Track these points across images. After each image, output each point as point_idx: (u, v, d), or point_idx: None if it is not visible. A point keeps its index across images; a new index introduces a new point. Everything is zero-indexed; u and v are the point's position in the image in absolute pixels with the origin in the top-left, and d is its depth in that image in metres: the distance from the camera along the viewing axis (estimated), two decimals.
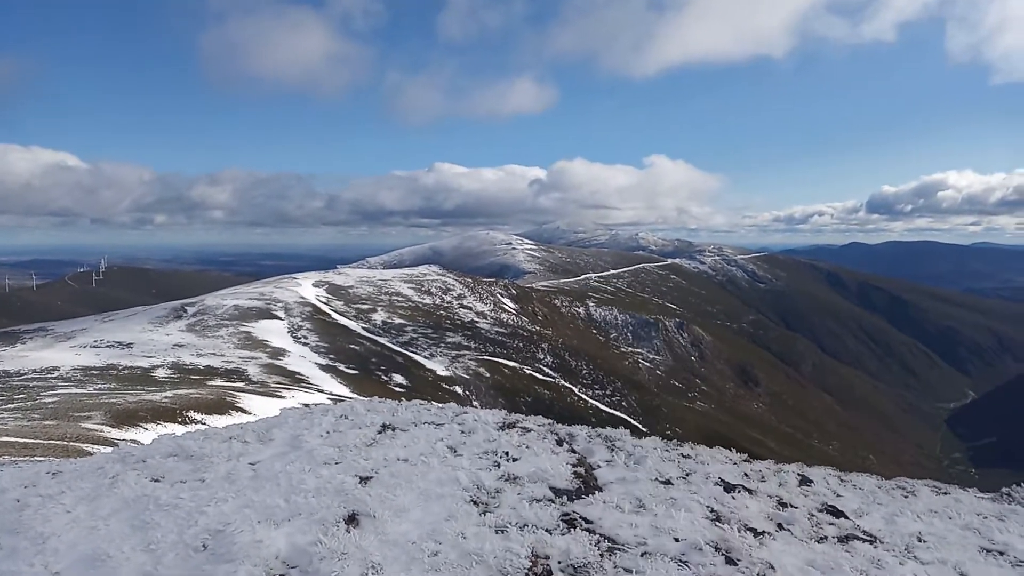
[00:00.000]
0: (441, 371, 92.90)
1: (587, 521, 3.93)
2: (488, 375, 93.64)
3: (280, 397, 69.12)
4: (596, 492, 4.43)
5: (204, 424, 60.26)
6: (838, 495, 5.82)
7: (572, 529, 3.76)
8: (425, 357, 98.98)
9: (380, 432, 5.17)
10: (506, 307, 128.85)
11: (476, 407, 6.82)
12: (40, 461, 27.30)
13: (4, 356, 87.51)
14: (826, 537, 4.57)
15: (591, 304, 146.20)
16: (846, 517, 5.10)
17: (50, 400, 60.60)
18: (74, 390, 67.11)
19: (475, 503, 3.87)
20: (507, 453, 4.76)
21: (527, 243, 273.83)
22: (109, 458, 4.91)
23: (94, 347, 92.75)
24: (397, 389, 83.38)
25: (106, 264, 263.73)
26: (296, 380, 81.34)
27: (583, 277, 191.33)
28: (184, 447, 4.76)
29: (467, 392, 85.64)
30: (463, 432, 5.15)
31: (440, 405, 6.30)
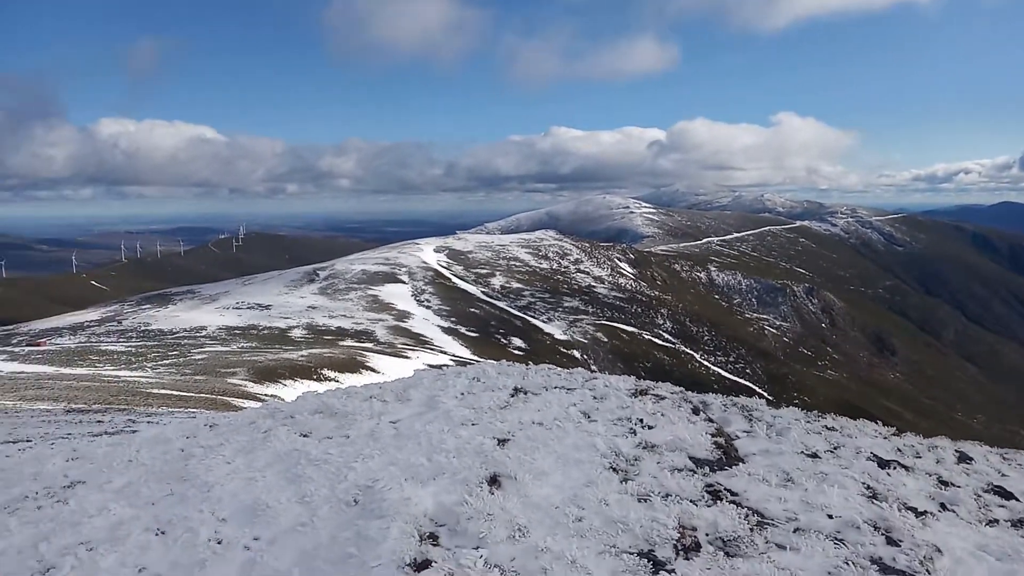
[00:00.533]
0: (559, 335, 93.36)
1: (732, 493, 3.79)
2: (606, 340, 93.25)
3: (405, 358, 71.79)
4: (738, 464, 4.26)
5: (337, 382, 63.60)
6: (1003, 475, 5.34)
7: (717, 501, 3.63)
8: (543, 321, 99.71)
9: (512, 395, 5.19)
10: (624, 272, 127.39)
11: (594, 371, 6.74)
12: (194, 413, 29.65)
13: (159, 316, 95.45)
14: (997, 520, 4.20)
15: (713, 269, 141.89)
16: (1017, 499, 4.67)
17: (199, 357, 65.70)
18: (220, 348, 72.39)
19: (614, 470, 3.81)
20: (641, 420, 4.67)
21: (645, 207, 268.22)
22: (260, 413, 5.19)
23: (236, 308, 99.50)
24: (516, 352, 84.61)
25: (244, 231, 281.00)
26: (420, 342, 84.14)
27: (704, 241, 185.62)
28: (329, 405, 4.96)
29: (585, 356, 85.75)
30: (595, 398, 5.08)
31: (568, 370, 6.27)
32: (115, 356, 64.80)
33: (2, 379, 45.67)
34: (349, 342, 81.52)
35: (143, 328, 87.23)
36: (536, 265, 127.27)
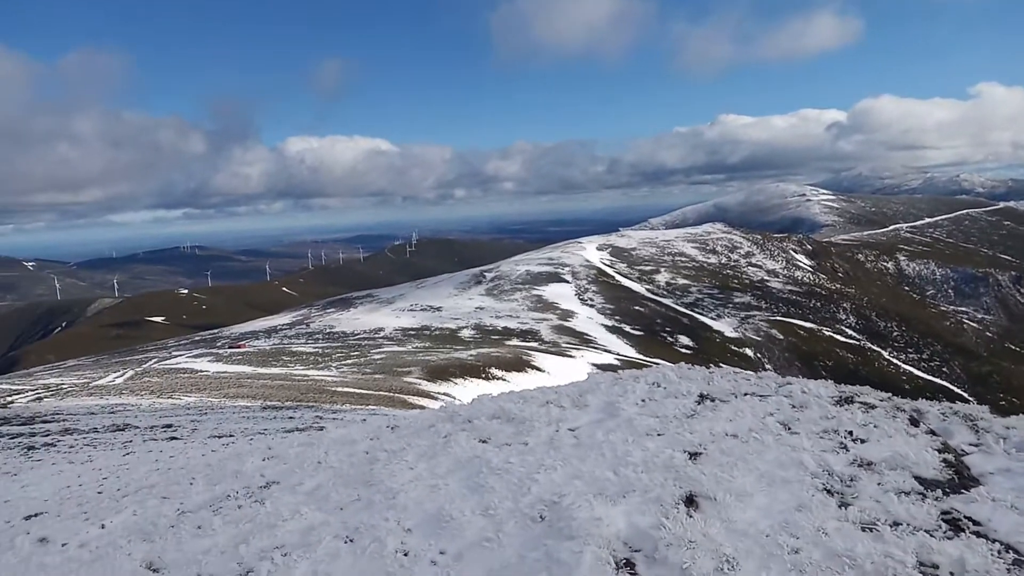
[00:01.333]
0: (729, 333, 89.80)
1: (975, 523, 3.22)
2: (781, 337, 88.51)
3: (570, 357, 71.96)
4: (975, 486, 3.64)
5: (505, 380, 64.83)
6: None
7: (959, 532, 3.09)
8: (712, 318, 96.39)
9: (698, 403, 4.83)
10: (800, 264, 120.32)
11: (769, 371, 6.16)
12: (374, 410, 31.26)
13: (342, 319, 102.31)
14: None
15: (902, 258, 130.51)
16: None
17: (378, 356, 69.52)
18: (396, 348, 76.31)
19: (828, 492, 3.37)
20: (851, 433, 4.15)
21: (823, 193, 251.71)
22: (438, 416, 5.19)
23: (410, 311, 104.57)
24: (683, 351, 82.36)
25: (417, 237, 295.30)
26: (584, 340, 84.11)
27: (891, 228, 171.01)
28: (506, 410, 4.87)
29: (758, 355, 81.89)
30: (793, 406, 4.61)
31: (756, 374, 5.79)
32: (304, 357, 70.16)
33: (209, 378, 50.72)
34: (515, 341, 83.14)
35: (328, 330, 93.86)
36: (703, 260, 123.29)
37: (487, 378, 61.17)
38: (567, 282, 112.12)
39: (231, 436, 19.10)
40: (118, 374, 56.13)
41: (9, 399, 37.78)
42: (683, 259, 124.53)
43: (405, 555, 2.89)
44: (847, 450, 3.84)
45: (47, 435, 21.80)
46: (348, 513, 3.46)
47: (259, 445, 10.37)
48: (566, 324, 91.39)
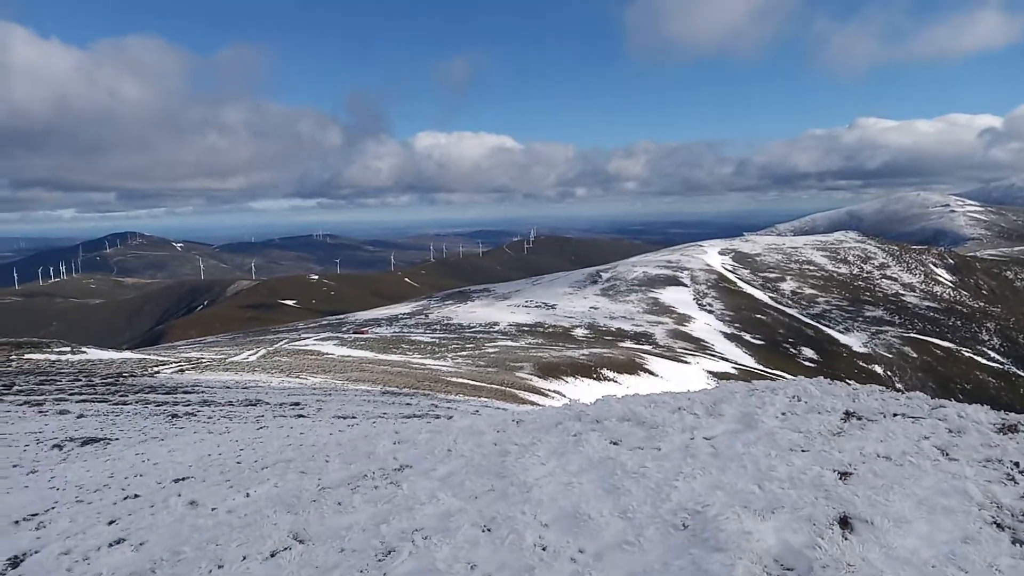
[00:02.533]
0: (857, 347, 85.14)
1: None
2: (915, 355, 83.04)
3: (685, 362, 70.36)
4: None
5: (616, 382, 64.20)
6: None
7: None
8: (839, 331, 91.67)
9: (844, 420, 4.56)
10: (940, 279, 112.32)
11: (900, 390, 5.72)
12: (486, 404, 31.71)
13: (459, 312, 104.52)
14: None
15: None
16: None
17: (492, 350, 70.53)
18: (509, 343, 77.18)
19: (998, 526, 3.09)
20: (1017, 464, 3.78)
21: (970, 204, 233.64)
22: (565, 414, 5.17)
23: (525, 307, 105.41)
24: (807, 364, 78.75)
25: (535, 234, 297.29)
26: (700, 346, 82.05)
27: None
28: (636, 412, 4.79)
29: (888, 373, 77.14)
30: (950, 431, 4.25)
31: (904, 394, 5.40)
32: (422, 346, 72.23)
33: (334, 361, 53.08)
34: (628, 343, 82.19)
35: (446, 322, 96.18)
36: (833, 269, 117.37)
37: (598, 378, 60.81)
38: (685, 286, 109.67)
39: (354, 417, 19.92)
40: (252, 352, 59.76)
41: (156, 369, 40.99)
42: (811, 267, 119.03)
43: (543, 549, 2.88)
44: (1015, 482, 3.50)
45: (188, 405, 23.48)
46: (483, 502, 3.50)
47: (385, 428, 10.73)
48: (682, 329, 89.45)
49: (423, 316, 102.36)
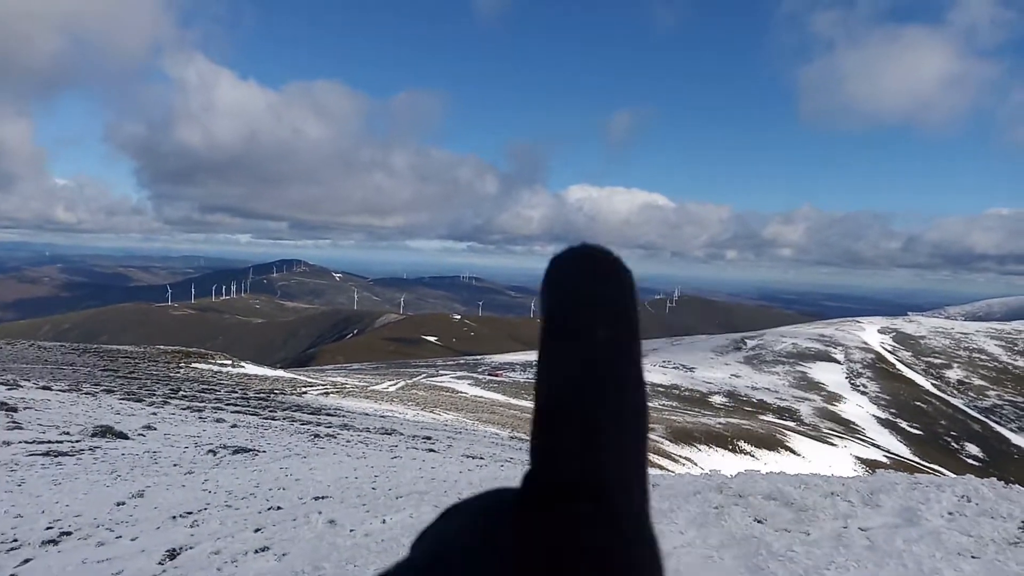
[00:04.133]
0: None
1: None
2: None
3: (831, 444, 65.80)
4: None
5: (754, 456, 61.02)
6: None
7: None
8: (1011, 430, 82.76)
9: (1022, 530, 4.07)
10: None
11: None
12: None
13: None
14: None
15: None
16: None
17: None
18: None
19: None
20: None
21: None
22: (704, 484, 4.96)
23: (662, 367, 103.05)
24: (970, 462, 71.45)
25: (679, 293, 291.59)
26: (850, 429, 76.53)
27: None
28: (784, 492, 4.51)
29: None
30: None
31: None
32: None
33: (467, 400, 54.07)
34: (770, 417, 78.12)
35: None
36: (1008, 361, 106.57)
37: (734, 450, 58.08)
38: (838, 363, 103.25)
39: (482, 458, 20.11)
40: (391, 383, 62.14)
41: (304, 390, 43.51)
42: (983, 357, 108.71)
43: None
44: None
45: (329, 427, 24.65)
46: None
47: (515, 473, 10.74)
48: (831, 408, 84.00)
49: None
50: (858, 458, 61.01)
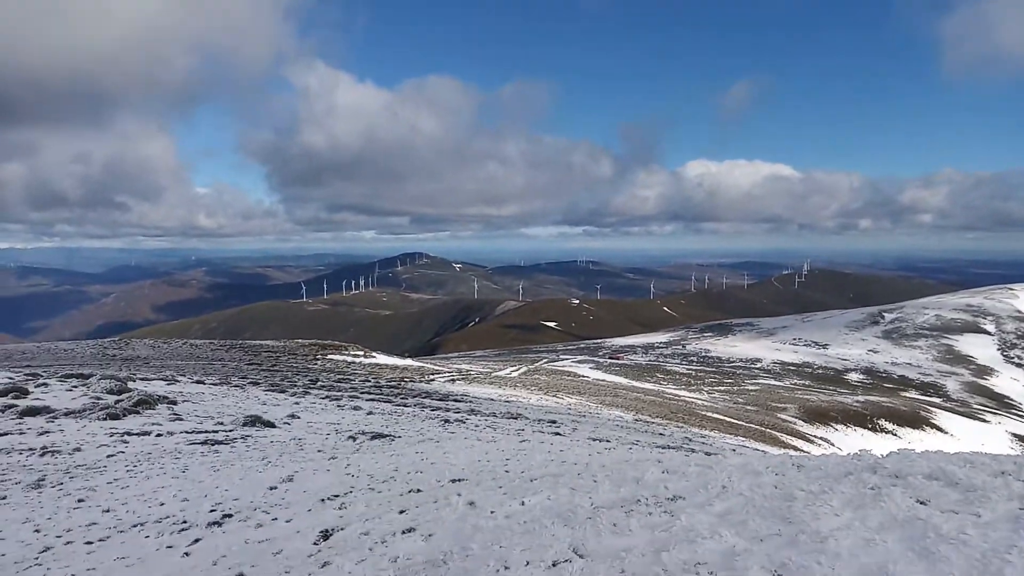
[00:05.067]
0: None
1: None
2: None
3: (983, 421, 61.23)
4: None
5: (896, 435, 57.65)
6: None
7: None
8: None
9: None
10: None
11: None
12: (743, 444, 30.09)
13: (718, 345, 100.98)
14: None
15: None
16: None
17: (752, 387, 67.07)
18: (772, 382, 72.87)
19: None
20: None
21: None
22: (855, 465, 4.69)
23: (792, 344, 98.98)
24: None
25: (808, 267, 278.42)
26: (1004, 404, 70.85)
27: None
28: (947, 472, 4.19)
29: None
30: None
31: None
32: (677, 376, 70.91)
33: (589, 384, 54.02)
34: (912, 393, 73.44)
35: (703, 354, 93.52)
36: None
37: (874, 429, 55.10)
38: (988, 334, 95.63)
39: (608, 441, 20.03)
40: (514, 368, 63.02)
41: (431, 377, 44.85)
42: None
43: None
44: None
45: (458, 412, 25.30)
46: (770, 546, 3.26)
47: (646, 456, 10.62)
48: (981, 382, 77.98)
49: (680, 346, 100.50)
50: (1015, 435, 56.44)
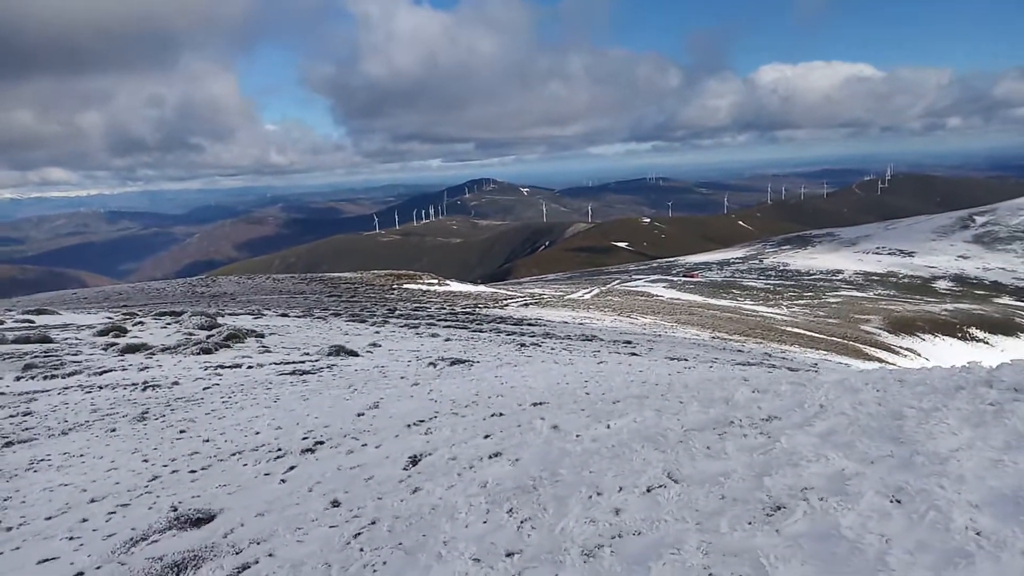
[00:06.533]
0: None
1: None
2: None
3: None
4: None
5: (987, 343, 55.53)
6: None
7: None
8: None
9: None
10: None
11: None
12: (826, 357, 29.38)
13: (796, 257, 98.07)
14: None
15: None
16: None
17: (833, 300, 65.16)
18: (855, 293, 70.58)
19: None
20: None
21: None
22: (968, 379, 4.38)
23: (875, 254, 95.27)
24: None
25: (891, 172, 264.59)
26: None
27: None
28: None
29: None
30: None
31: None
32: (754, 292, 69.42)
33: (663, 303, 53.48)
34: (1006, 299, 70.06)
35: (781, 267, 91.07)
36: None
37: (964, 338, 53.05)
38: None
39: (686, 360, 19.84)
40: (586, 291, 62.87)
41: (504, 303, 45.21)
42: None
43: (978, 535, 2.40)
44: None
45: (533, 336, 25.46)
46: (882, 469, 3.06)
47: (730, 374, 10.41)
48: None
49: (756, 261, 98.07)
50: None
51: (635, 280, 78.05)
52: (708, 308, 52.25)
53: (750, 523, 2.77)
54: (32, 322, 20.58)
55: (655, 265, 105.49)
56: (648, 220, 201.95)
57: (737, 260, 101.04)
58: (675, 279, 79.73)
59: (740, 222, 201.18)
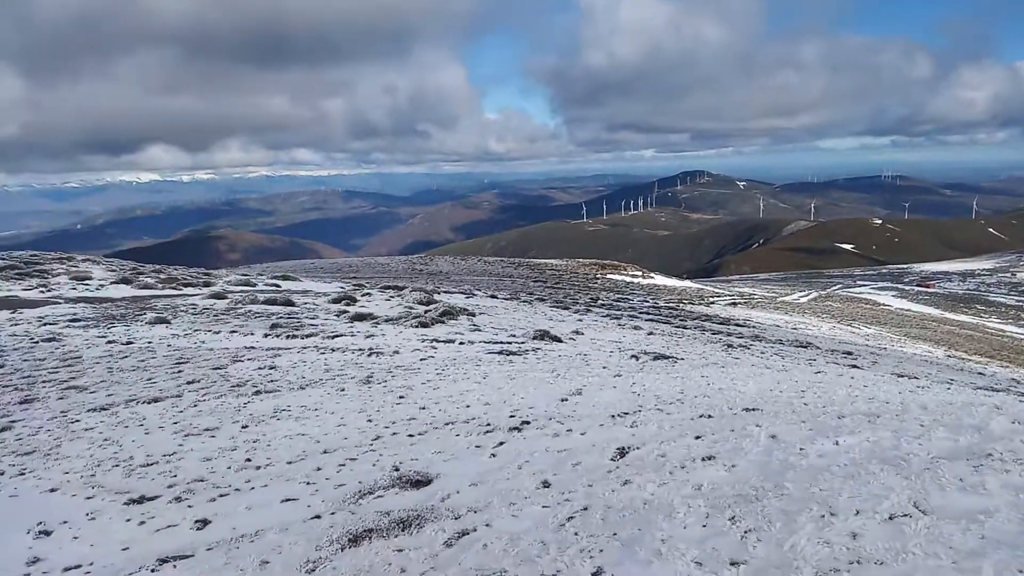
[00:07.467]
0: None
1: None
2: None
3: None
4: None
5: None
6: None
7: None
8: None
9: None
10: None
11: None
12: None
13: None
14: None
15: None
16: None
17: None
18: None
19: None
20: None
21: None
22: None
23: None
24: None
25: None
26: None
27: None
28: None
29: None
30: None
31: None
32: (1002, 309, 61.35)
33: (891, 314, 48.86)
34: None
35: None
36: None
37: None
38: None
39: (916, 378, 17.93)
40: (802, 294, 59.13)
41: (711, 300, 43.72)
42: None
43: None
44: None
45: (740, 337, 24.36)
46: None
47: (972, 399, 9.26)
48: None
49: (1008, 274, 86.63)
50: None
51: (860, 286, 72.11)
52: (944, 323, 47.04)
53: (1021, 572, 2.40)
54: (278, 286, 23.24)
55: (884, 271, 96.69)
56: (880, 221, 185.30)
57: (984, 272, 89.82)
58: (907, 288, 72.60)
59: (990, 229, 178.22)
